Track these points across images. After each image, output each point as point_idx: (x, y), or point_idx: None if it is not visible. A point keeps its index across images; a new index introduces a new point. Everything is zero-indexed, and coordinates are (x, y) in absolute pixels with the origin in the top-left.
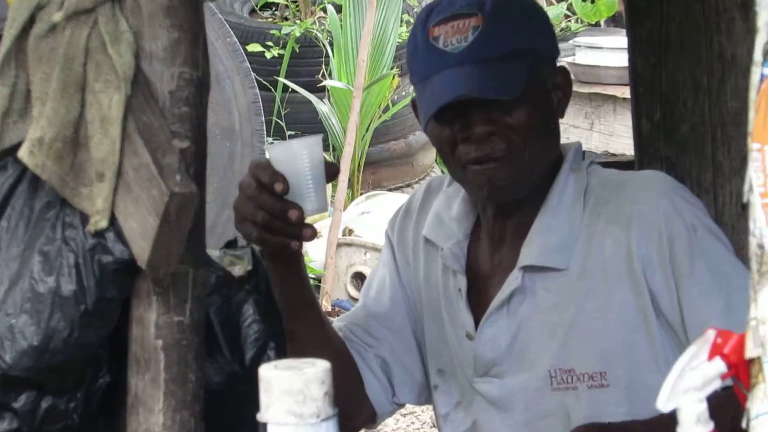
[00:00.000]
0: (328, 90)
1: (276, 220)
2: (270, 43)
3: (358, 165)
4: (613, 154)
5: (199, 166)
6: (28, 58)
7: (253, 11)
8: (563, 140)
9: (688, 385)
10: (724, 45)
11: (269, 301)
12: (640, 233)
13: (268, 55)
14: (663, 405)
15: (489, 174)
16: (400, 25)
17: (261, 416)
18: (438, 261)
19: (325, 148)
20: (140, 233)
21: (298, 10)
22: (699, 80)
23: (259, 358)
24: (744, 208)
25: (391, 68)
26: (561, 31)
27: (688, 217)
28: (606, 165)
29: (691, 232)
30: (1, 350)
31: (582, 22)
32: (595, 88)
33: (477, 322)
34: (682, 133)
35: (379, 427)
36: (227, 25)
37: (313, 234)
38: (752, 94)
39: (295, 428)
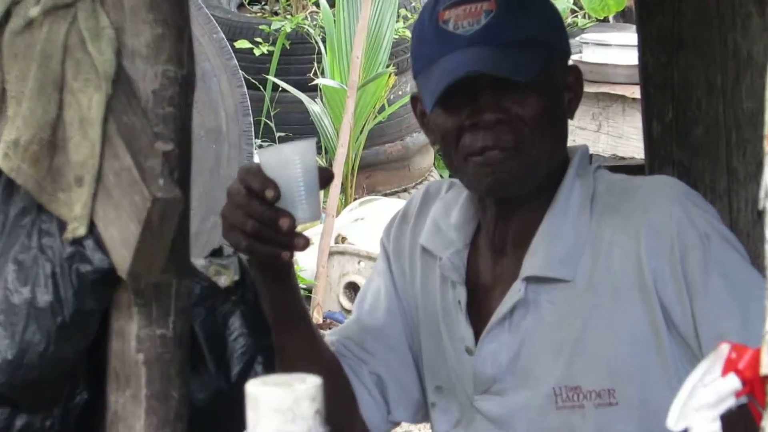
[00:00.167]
0: (320, 89)
1: (266, 228)
2: (259, 40)
3: (352, 168)
4: (622, 158)
5: (183, 170)
6: (3, 55)
7: (241, 5)
8: (569, 143)
9: (700, 402)
10: (740, 42)
11: (257, 313)
12: (651, 243)
13: (257, 52)
14: (674, 424)
15: (493, 165)
16: (397, 21)
17: None
18: (436, 271)
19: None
20: (121, 241)
21: (288, 5)
22: (713, 79)
23: (246, 373)
24: (760, 215)
25: (387, 66)
26: (567, 27)
27: (702, 225)
28: (614, 169)
29: (705, 242)
30: None
31: (590, 17)
32: (603, 87)
33: (477, 336)
34: (695, 135)
35: None
36: (214, 20)
37: (306, 244)
38: None
39: None
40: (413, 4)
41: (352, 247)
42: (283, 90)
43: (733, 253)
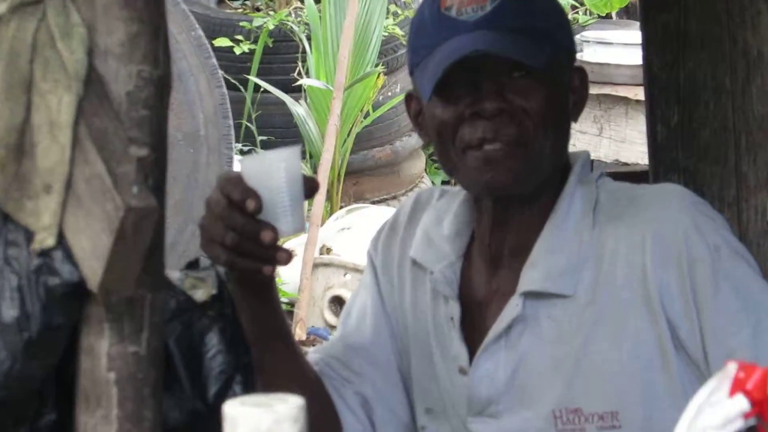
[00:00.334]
0: (304, 90)
1: (247, 242)
2: (240, 37)
3: (338, 175)
4: (625, 163)
5: (158, 177)
6: None
7: (221, 1)
8: (569, 148)
9: (706, 423)
10: (750, 41)
11: (235, 329)
12: (657, 255)
13: (237, 51)
14: None
15: (492, 162)
16: (387, 17)
17: None
18: (427, 285)
19: (302, 156)
20: (92, 252)
21: (271, 0)
22: (721, 80)
23: (224, 393)
24: None
25: (376, 65)
26: None
27: (711, 236)
28: (617, 176)
29: (714, 254)
30: None
31: (591, 14)
32: (604, 88)
33: (472, 355)
34: (702, 140)
35: None
36: (192, 17)
37: (289, 258)
38: None
39: None
40: (404, 0)
41: (338, 258)
42: (265, 91)
43: (744, 265)
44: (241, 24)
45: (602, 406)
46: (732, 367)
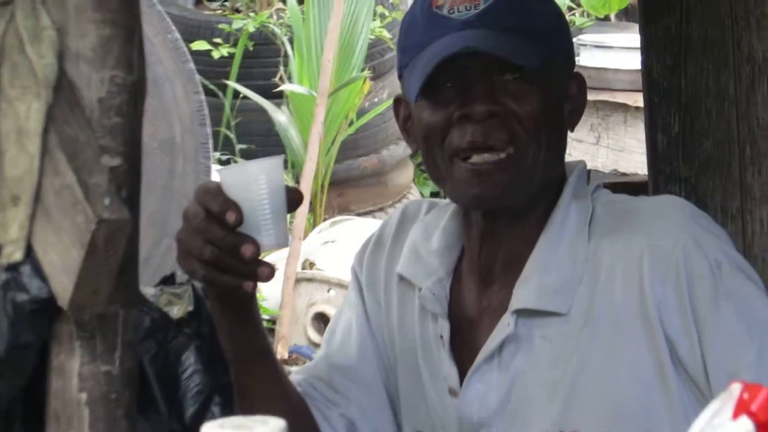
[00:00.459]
0: (286, 96)
1: (226, 256)
2: (218, 40)
3: (322, 185)
4: (623, 173)
5: (132, 188)
6: None
7: (198, 2)
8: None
9: None
10: (755, 45)
11: (213, 347)
12: (655, 271)
13: (216, 55)
14: None
15: (482, 174)
16: (374, 19)
17: None
18: (415, 302)
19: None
20: (62, 267)
21: (252, 2)
22: (725, 87)
23: (202, 414)
24: None
25: (362, 70)
26: None
27: (712, 251)
28: (615, 187)
29: (716, 270)
30: None
31: (588, 16)
32: (602, 95)
33: (462, 376)
34: (704, 149)
35: None
36: (168, 19)
37: (271, 273)
38: None
39: None
40: (391, 1)
41: (321, 273)
42: (245, 97)
43: (747, 282)
44: (219, 26)
45: (599, 429)
46: (736, 388)
